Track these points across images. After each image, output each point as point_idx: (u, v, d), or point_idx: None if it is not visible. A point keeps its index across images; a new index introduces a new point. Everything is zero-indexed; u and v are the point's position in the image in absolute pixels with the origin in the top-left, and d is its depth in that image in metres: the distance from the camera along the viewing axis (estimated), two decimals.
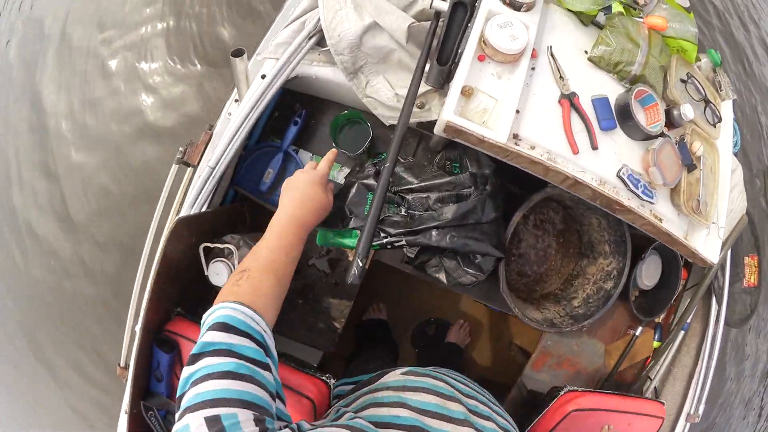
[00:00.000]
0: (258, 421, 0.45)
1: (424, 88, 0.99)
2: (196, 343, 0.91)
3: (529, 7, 0.93)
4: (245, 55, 0.99)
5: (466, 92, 0.88)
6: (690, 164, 0.99)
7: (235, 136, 0.98)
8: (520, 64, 0.89)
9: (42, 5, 2.74)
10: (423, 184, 1.03)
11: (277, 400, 0.53)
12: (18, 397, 2.59)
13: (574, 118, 0.92)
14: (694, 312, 1.41)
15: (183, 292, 1.03)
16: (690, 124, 1.02)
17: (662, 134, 0.96)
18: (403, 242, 1.00)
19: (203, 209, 1.00)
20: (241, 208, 1.19)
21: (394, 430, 0.55)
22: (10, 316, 2.52)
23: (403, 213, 1.04)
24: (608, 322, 1.45)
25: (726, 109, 1.13)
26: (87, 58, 2.53)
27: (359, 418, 0.56)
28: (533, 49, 0.92)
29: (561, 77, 0.92)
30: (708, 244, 1.08)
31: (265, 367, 0.53)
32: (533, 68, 0.93)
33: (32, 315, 2.49)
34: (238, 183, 1.17)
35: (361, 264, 0.78)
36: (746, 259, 1.45)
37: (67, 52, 2.56)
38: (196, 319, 1.01)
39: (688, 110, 0.97)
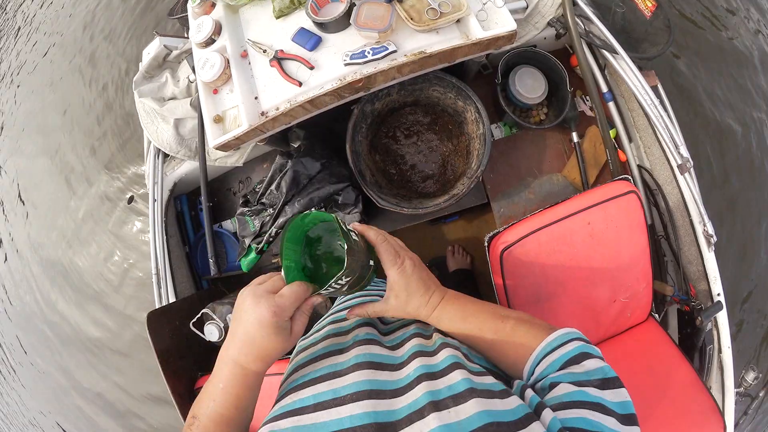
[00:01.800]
0: None
1: None
2: None
3: (212, 39, 1.16)
4: (135, 198, 1.43)
5: (218, 119, 1.14)
6: None
7: (155, 246, 1.37)
8: (233, 72, 1.12)
9: None
10: (261, 186, 1.28)
11: None
12: None
13: (291, 64, 1.11)
14: (601, 79, 1.29)
15: (198, 360, 1.37)
16: None
17: (353, 4, 1.06)
18: (274, 230, 1.24)
19: (171, 300, 1.38)
20: (215, 288, 1.55)
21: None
22: None
23: (270, 212, 1.29)
24: (545, 154, 1.39)
25: None
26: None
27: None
28: (242, 51, 1.17)
29: (264, 51, 1.14)
30: (498, 21, 1.06)
31: None
32: (249, 63, 1.16)
33: None
34: (202, 273, 1.55)
35: (212, 261, 1.06)
36: None
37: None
38: None
39: None
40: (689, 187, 1.20)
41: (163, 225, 1.39)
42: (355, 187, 1.25)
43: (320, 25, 1.10)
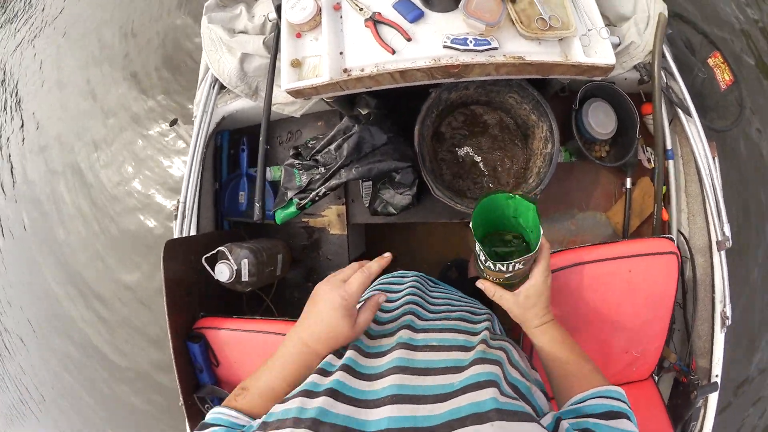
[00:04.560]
0: None
1: None
2: (216, 329, 1.18)
3: None
4: (178, 122, 1.33)
5: (295, 64, 1.06)
6: None
7: (190, 174, 1.29)
8: (323, 20, 1.05)
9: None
10: (322, 142, 1.21)
11: None
12: None
13: (386, 29, 1.04)
14: (672, 137, 1.26)
15: (205, 300, 1.29)
16: None
17: None
18: (323, 190, 1.16)
19: (192, 234, 1.30)
20: (237, 230, 1.47)
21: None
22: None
23: (321, 171, 1.22)
24: (595, 190, 1.36)
25: None
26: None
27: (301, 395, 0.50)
28: (335, 3, 1.09)
29: (360, 9, 1.06)
30: (597, 51, 1.02)
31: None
32: (341, 17, 1.08)
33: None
34: (227, 213, 1.47)
35: (258, 205, 0.99)
36: (710, 60, 1.26)
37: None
38: (218, 314, 1.25)
39: None
40: (721, 265, 1.18)
41: (203, 156, 1.30)
42: (414, 170, 1.18)
43: (425, 0, 1.03)
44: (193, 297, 1.26)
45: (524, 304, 0.72)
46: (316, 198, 1.18)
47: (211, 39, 1.29)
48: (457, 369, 0.53)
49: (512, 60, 0.99)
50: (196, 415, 1.18)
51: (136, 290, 2.76)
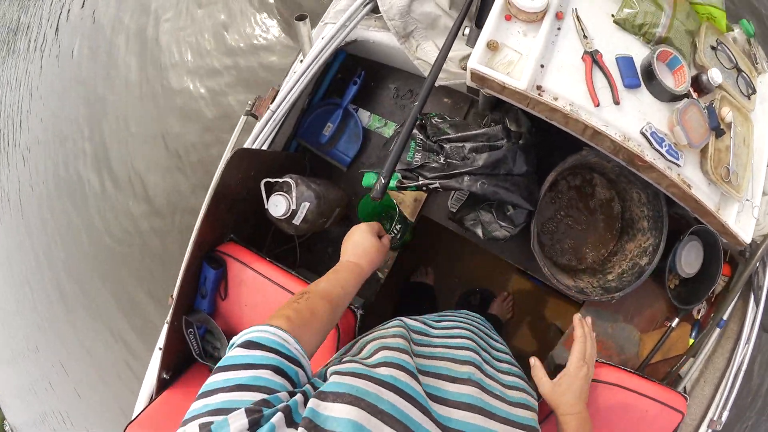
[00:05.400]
0: (250, 412, 0.41)
1: (467, 50, 1.05)
2: (243, 264, 1.04)
3: None
4: (308, 20, 1.11)
5: (492, 46, 0.92)
6: (717, 128, 0.93)
7: (295, 86, 1.09)
8: (544, 23, 0.92)
9: None
10: (459, 134, 1.07)
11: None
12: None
13: (598, 75, 0.92)
14: (731, 310, 1.28)
15: (239, 223, 1.14)
16: (719, 90, 0.97)
17: (688, 95, 0.93)
18: (437, 184, 1.02)
19: (263, 148, 1.12)
20: (302, 157, 1.29)
21: (396, 370, 0.53)
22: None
23: (441, 161, 1.08)
24: (646, 310, 1.35)
25: (763, 83, 1.06)
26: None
27: (358, 377, 0.50)
28: (559, 11, 0.95)
29: (585, 36, 0.93)
30: (741, 221, 1.00)
31: (285, 375, 0.50)
32: (559, 28, 0.94)
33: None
34: (301, 136, 1.29)
35: (384, 181, 0.84)
36: None
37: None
38: (250, 247, 1.09)
39: (715, 74, 0.93)
40: None
41: (318, 70, 1.11)
42: (530, 214, 1.09)
43: (648, 75, 0.93)
44: (231, 215, 1.09)
45: (556, 390, 0.79)
46: (424, 188, 1.05)
47: None
48: None
49: (682, 183, 0.93)
50: (174, 338, 1.04)
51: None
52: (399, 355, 0.56)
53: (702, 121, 0.92)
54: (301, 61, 1.18)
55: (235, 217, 1.12)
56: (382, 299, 1.34)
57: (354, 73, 1.30)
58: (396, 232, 1.18)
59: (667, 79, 0.93)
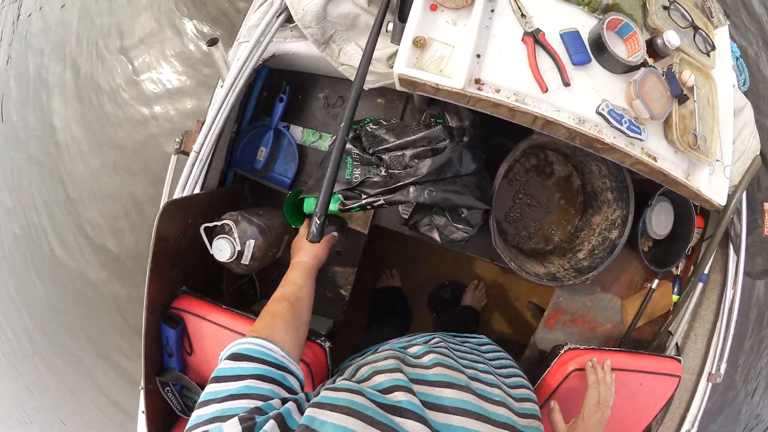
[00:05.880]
0: (244, 420, 0.44)
1: (393, 47, 0.93)
2: (200, 317, 0.98)
3: None
4: (219, 43, 0.98)
5: (419, 43, 0.81)
6: (680, 95, 0.86)
7: (216, 118, 0.97)
8: (475, 7, 0.81)
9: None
10: (398, 142, 0.97)
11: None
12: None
13: (543, 56, 0.83)
14: (711, 263, 1.26)
15: (189, 273, 1.04)
16: (677, 52, 0.89)
17: (645, 64, 0.84)
18: (381, 201, 0.94)
19: (195, 191, 1.00)
20: (240, 187, 1.18)
21: (401, 392, 0.54)
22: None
23: (382, 173, 0.99)
24: (622, 276, 1.32)
25: (721, 37, 0.98)
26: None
27: (355, 393, 0.52)
28: None
29: (523, 15, 0.83)
30: (713, 184, 0.94)
31: (273, 381, 0.53)
32: (492, 10, 0.83)
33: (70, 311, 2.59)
34: (236, 164, 1.16)
35: (319, 222, 0.74)
36: (765, 205, 1.27)
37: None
38: (204, 297, 1.01)
39: (672, 36, 0.85)
40: (703, 394, 1.24)
41: (238, 95, 0.98)
42: (485, 213, 1.02)
43: (598, 48, 0.84)
44: (177, 267, 0.99)
45: None
46: (368, 207, 0.96)
47: None
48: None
49: (647, 158, 0.86)
50: (154, 399, 0.99)
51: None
52: (393, 376, 0.58)
53: (662, 89, 0.84)
54: (221, 86, 1.05)
55: (183, 269, 1.03)
56: (355, 312, 1.28)
57: (279, 89, 1.17)
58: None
59: (620, 49, 0.85)
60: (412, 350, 0.72)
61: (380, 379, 0.58)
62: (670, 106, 0.85)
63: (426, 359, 0.67)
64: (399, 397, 0.53)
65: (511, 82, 0.81)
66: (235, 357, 0.55)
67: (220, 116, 0.97)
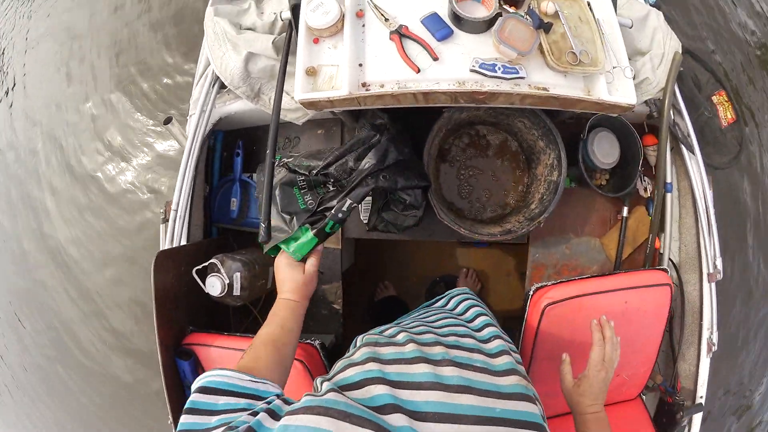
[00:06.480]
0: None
1: None
2: (207, 346, 1.11)
3: None
4: (174, 120, 1.20)
5: (311, 72, 0.97)
6: (543, 24, 0.94)
7: (183, 182, 1.17)
8: (345, 27, 0.97)
9: None
10: (337, 152, 1.07)
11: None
12: None
13: (411, 45, 0.96)
14: (673, 171, 1.27)
15: (193, 313, 1.19)
16: None
17: (500, 15, 0.95)
18: (350, 201, 0.99)
19: (182, 243, 1.18)
20: (224, 238, 1.36)
21: (370, 386, 0.55)
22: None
23: (331, 189, 1.06)
24: (591, 215, 1.35)
25: None
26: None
27: (332, 391, 0.53)
28: (359, 10, 1.00)
29: (386, 19, 0.98)
30: (618, 89, 0.98)
31: (244, 410, 0.53)
32: (363, 25, 0.99)
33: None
34: (215, 219, 1.36)
35: (263, 225, 0.90)
36: (714, 98, 1.29)
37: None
38: (211, 330, 1.16)
39: None
40: (710, 296, 1.21)
41: (197, 159, 1.18)
42: (423, 191, 1.12)
43: (456, 19, 0.97)
44: (181, 310, 1.15)
45: (575, 390, 0.82)
46: (341, 215, 0.98)
47: (216, 33, 1.16)
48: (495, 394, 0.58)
49: (537, 92, 0.94)
50: None
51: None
52: (365, 367, 0.59)
53: (524, 27, 0.93)
54: None
55: (187, 311, 1.17)
56: (358, 327, 1.35)
57: (234, 146, 1.37)
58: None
59: (479, 12, 0.96)
60: (388, 332, 0.74)
61: (351, 373, 0.58)
62: (536, 38, 0.93)
63: (400, 337, 0.68)
64: (372, 392, 0.54)
65: (390, 75, 0.94)
66: (205, 390, 0.56)
67: (187, 180, 1.16)
